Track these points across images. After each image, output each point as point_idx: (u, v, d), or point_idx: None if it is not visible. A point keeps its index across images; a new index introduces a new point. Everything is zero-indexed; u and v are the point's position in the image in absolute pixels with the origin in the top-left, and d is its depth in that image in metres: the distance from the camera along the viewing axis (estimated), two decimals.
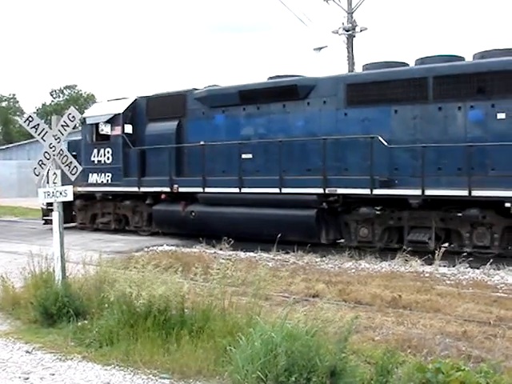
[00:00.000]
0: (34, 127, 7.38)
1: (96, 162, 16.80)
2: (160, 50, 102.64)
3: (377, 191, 11.79)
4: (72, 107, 7.64)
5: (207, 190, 14.29)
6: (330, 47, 26.20)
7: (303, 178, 12.91)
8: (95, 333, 5.95)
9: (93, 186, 16.87)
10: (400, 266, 10.32)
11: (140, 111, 16.46)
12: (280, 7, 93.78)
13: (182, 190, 14.86)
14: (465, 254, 10.42)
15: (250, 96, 14.17)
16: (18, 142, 46.77)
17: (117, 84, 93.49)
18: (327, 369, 4.31)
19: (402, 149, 11.95)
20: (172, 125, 15.57)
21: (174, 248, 13.05)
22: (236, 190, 13.77)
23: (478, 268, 10.07)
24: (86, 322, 6.40)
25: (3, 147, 45.48)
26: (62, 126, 7.35)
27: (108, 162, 16.62)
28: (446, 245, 10.22)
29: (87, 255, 8.05)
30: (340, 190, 12.32)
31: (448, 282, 9.06)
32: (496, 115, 11.03)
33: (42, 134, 7.38)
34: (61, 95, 70.04)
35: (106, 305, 6.11)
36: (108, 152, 16.60)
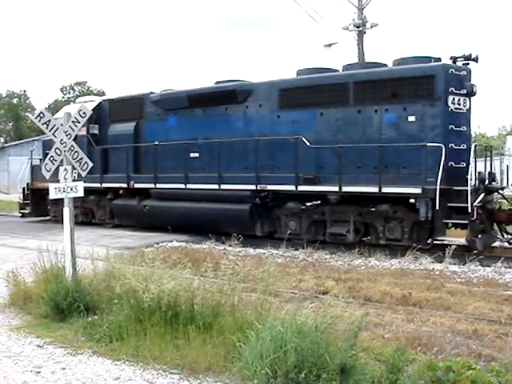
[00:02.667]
0: (45, 123, 7.41)
1: None
2: (171, 46, 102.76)
3: (301, 188, 12.93)
4: (83, 104, 7.68)
5: (158, 186, 15.63)
6: (340, 44, 26.06)
7: (239, 176, 14.00)
8: (105, 328, 5.97)
9: None
10: (410, 264, 10.28)
11: (104, 113, 17.58)
12: (290, 4, 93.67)
13: (137, 185, 16.23)
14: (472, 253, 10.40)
15: (197, 100, 15.31)
16: (28, 138, 47.01)
17: (127, 80, 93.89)
18: (337, 366, 4.30)
19: (325, 148, 12.76)
20: (131, 126, 16.77)
21: (183, 244, 13.10)
22: (182, 186, 15.02)
23: (488, 266, 10.01)
24: (96, 317, 6.43)
25: (14, 143, 45.77)
26: (73, 122, 7.38)
27: None
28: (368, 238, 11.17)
29: (97, 251, 8.07)
30: (270, 187, 13.56)
31: (458, 279, 9.00)
32: (407, 118, 11.88)
33: (54, 130, 7.41)
34: (71, 92, 70.35)
35: (116, 300, 6.14)
36: None
